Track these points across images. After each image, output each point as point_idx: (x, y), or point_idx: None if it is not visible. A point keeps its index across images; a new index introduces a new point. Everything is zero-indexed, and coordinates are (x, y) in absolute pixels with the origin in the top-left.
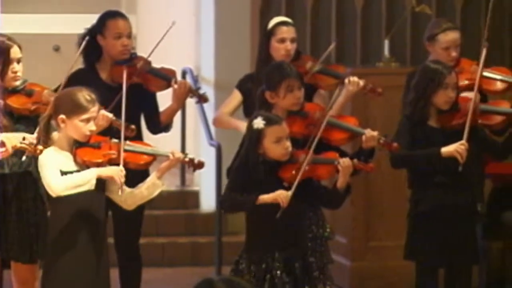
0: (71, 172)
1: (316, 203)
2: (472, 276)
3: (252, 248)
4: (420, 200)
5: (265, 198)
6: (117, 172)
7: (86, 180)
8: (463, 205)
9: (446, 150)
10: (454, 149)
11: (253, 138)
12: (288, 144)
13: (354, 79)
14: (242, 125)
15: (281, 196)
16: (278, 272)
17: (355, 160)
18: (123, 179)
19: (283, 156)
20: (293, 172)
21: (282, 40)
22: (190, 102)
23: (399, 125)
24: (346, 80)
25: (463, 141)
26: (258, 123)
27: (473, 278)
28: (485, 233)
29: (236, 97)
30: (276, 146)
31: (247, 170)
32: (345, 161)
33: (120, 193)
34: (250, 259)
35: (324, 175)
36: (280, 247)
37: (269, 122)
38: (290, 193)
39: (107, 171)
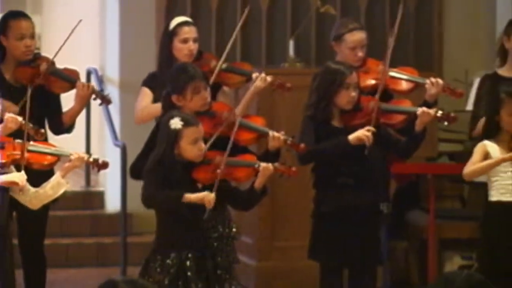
0: None
1: (229, 204)
2: (377, 276)
3: (164, 248)
4: (323, 201)
5: (191, 197)
6: (18, 176)
7: None
8: (366, 205)
9: (353, 136)
10: (361, 133)
11: (171, 138)
12: (203, 145)
13: (262, 74)
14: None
15: (208, 198)
16: (190, 273)
17: (277, 164)
18: (24, 182)
19: (198, 157)
20: (213, 173)
21: (185, 41)
22: (95, 103)
23: (302, 125)
24: (254, 76)
25: (370, 127)
26: (176, 123)
27: (377, 279)
28: (390, 233)
29: (147, 93)
30: (192, 147)
31: (162, 170)
32: (267, 165)
33: (21, 193)
34: (162, 259)
35: (243, 178)
36: (191, 247)
37: (186, 123)
38: (213, 195)
39: (4, 178)
